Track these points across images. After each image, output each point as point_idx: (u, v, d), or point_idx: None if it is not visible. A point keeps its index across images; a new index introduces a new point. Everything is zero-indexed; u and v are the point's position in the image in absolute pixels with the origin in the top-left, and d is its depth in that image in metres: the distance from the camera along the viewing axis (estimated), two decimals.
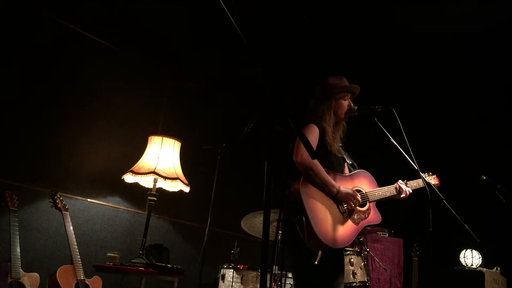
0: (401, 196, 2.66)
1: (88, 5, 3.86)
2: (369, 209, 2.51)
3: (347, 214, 2.39)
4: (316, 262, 2.20)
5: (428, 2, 4.47)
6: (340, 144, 2.70)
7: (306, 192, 2.30)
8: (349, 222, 2.39)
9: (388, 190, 2.63)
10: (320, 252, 2.24)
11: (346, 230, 2.36)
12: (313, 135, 2.46)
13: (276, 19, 4.76)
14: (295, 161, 2.32)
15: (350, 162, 2.70)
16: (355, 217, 2.42)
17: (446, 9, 4.46)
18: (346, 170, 2.70)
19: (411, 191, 2.70)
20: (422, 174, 2.57)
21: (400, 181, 2.71)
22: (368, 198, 2.52)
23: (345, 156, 2.69)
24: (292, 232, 2.29)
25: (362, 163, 2.76)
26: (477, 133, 5.68)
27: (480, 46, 4.89)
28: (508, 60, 4.90)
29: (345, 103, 2.64)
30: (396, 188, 2.66)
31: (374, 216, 2.53)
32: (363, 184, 2.57)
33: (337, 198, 2.37)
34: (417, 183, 2.75)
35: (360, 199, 2.43)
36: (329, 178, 2.37)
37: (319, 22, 4.84)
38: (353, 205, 2.40)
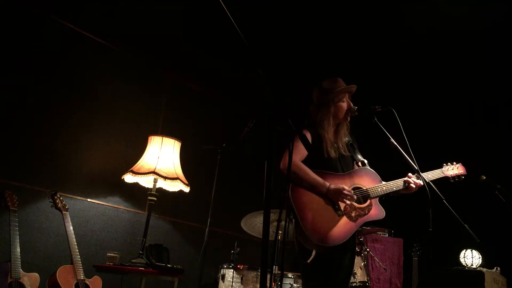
0: (410, 189, 2.56)
1: (88, 5, 3.86)
2: (370, 205, 2.49)
3: (342, 212, 2.38)
4: (308, 261, 2.22)
5: (428, 2, 4.47)
6: (350, 140, 2.68)
7: (296, 194, 2.33)
8: (345, 220, 2.38)
9: (394, 184, 2.56)
10: (314, 252, 2.24)
11: (340, 228, 2.35)
12: (301, 143, 2.40)
13: (276, 19, 4.76)
14: (281, 169, 2.34)
15: (361, 160, 2.66)
16: (353, 214, 2.41)
17: (446, 8, 4.46)
18: (356, 168, 2.68)
19: (422, 184, 2.56)
20: (442, 168, 2.71)
21: (410, 174, 2.62)
22: (369, 194, 2.50)
23: (353, 154, 2.67)
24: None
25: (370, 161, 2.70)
26: (477, 133, 5.67)
27: (479, 46, 4.88)
28: (508, 60, 4.90)
29: (344, 105, 2.64)
30: (404, 181, 2.57)
31: (376, 212, 2.48)
32: (364, 181, 2.55)
33: (329, 196, 2.38)
34: (431, 175, 2.68)
35: (352, 194, 2.40)
36: (317, 179, 2.37)
37: (319, 22, 4.84)
38: (344, 201, 2.39)
